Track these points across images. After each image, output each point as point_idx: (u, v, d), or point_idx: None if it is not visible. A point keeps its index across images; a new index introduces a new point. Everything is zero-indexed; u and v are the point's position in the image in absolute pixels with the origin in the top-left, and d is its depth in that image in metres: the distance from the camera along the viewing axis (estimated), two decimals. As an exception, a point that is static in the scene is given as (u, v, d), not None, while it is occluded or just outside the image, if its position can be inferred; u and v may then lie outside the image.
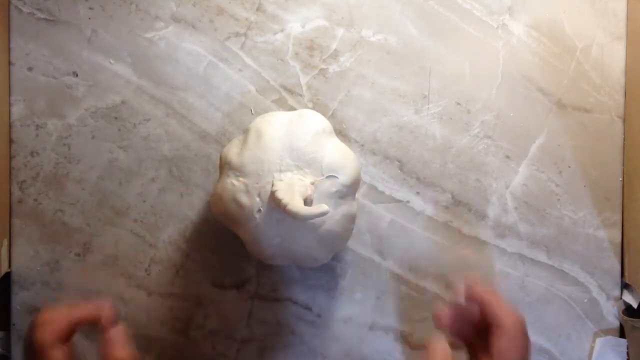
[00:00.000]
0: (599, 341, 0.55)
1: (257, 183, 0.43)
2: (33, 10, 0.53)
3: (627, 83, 0.55)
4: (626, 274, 0.55)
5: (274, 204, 0.41)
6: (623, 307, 0.54)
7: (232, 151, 0.45)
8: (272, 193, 0.41)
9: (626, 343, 0.54)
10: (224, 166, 0.45)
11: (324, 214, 0.38)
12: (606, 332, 0.55)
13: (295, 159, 0.43)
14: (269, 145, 0.43)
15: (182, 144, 0.54)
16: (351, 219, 0.46)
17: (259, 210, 0.42)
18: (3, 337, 0.54)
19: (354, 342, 0.55)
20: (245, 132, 0.46)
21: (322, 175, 0.43)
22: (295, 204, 0.39)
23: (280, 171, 0.42)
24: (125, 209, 0.54)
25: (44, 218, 0.53)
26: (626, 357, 0.55)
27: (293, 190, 0.40)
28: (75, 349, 0.39)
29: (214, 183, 0.49)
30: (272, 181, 0.42)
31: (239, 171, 0.43)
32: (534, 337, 0.55)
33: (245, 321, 0.54)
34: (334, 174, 0.43)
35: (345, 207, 0.45)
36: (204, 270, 0.54)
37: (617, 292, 0.55)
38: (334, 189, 0.43)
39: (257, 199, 0.43)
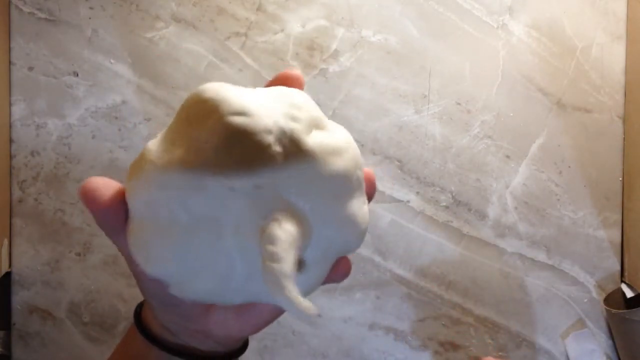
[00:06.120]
0: (571, 336, 0.55)
1: None
2: (33, 10, 0.53)
3: (627, 83, 0.55)
4: (626, 274, 0.55)
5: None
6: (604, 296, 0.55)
7: None
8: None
9: (588, 332, 0.55)
10: None
11: (311, 313, 0.20)
12: (606, 331, 0.55)
13: None
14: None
15: (182, 143, 0.54)
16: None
17: None
18: (3, 336, 0.54)
19: (354, 342, 0.55)
20: None
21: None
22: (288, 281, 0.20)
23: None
24: (125, 208, 0.54)
25: (44, 218, 0.53)
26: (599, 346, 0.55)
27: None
28: None
29: None
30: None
31: None
32: (534, 337, 0.55)
33: (245, 321, 0.54)
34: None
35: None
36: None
37: (617, 292, 0.55)
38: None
39: None
